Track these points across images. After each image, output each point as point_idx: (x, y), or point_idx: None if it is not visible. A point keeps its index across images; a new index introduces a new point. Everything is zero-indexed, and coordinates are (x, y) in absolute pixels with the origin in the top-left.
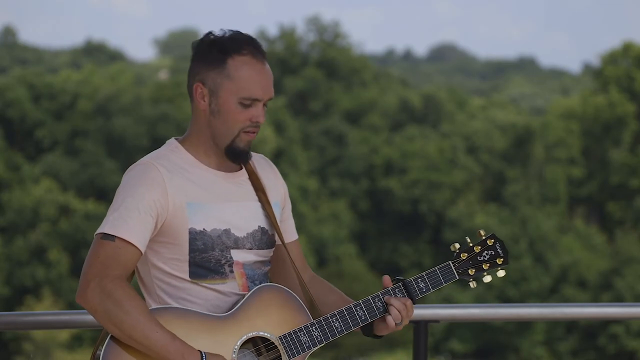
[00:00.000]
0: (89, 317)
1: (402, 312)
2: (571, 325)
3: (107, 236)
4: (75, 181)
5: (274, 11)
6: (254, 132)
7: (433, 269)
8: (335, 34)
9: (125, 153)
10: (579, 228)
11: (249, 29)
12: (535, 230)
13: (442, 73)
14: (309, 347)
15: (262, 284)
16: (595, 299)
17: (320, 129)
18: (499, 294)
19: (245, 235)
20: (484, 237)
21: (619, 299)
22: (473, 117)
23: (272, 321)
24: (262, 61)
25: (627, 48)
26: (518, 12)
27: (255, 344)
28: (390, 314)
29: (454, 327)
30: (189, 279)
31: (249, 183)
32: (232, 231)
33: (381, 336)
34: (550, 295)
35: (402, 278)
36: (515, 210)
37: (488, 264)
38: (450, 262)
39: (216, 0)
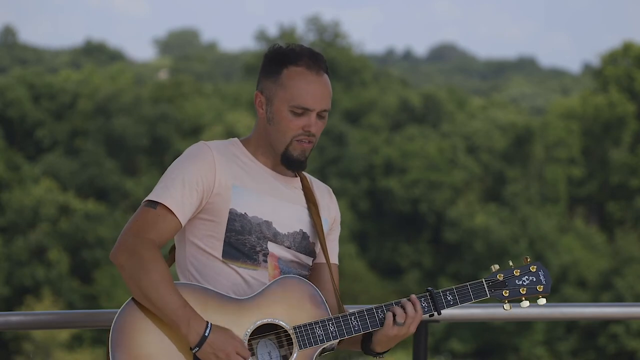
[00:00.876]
0: (89, 317)
1: (409, 313)
2: (571, 325)
3: (150, 203)
4: (75, 181)
5: (274, 11)
6: (308, 142)
7: (464, 284)
8: (335, 33)
9: (125, 153)
10: (579, 228)
11: (248, 29)
12: (535, 230)
13: (442, 73)
14: (322, 341)
15: (287, 274)
16: (595, 299)
17: None
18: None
19: (286, 233)
20: (527, 263)
21: (619, 299)
22: (473, 117)
23: (290, 311)
24: (318, 73)
25: (627, 48)
26: (518, 12)
27: (271, 331)
28: (392, 312)
29: (454, 327)
30: (221, 258)
31: (301, 191)
32: (274, 225)
33: (381, 353)
34: (550, 295)
35: (431, 289)
36: (515, 210)
37: (526, 289)
38: (483, 280)
39: (216, 0)
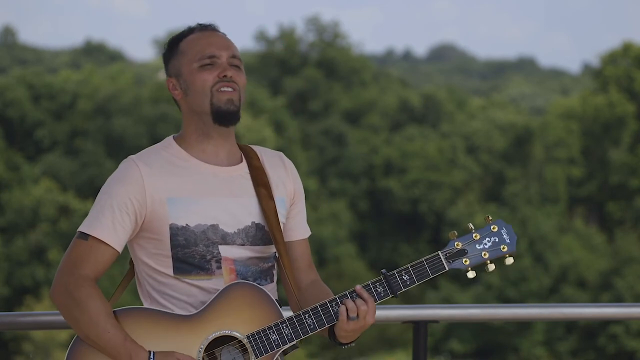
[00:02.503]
0: None
1: (359, 306)
2: (571, 326)
3: (82, 235)
4: (74, 181)
5: (274, 11)
6: (229, 88)
7: (420, 260)
8: (334, 34)
9: (125, 153)
10: (579, 228)
11: (248, 29)
12: (535, 230)
13: (442, 73)
14: (277, 346)
15: (231, 282)
16: (595, 299)
17: (319, 129)
18: (499, 294)
19: (235, 231)
20: (488, 223)
21: (618, 299)
22: (473, 117)
23: (242, 320)
24: (212, 31)
25: (626, 48)
26: (518, 12)
27: (229, 341)
28: (345, 305)
29: (454, 327)
30: (173, 275)
31: (248, 178)
32: (221, 227)
33: (344, 344)
34: (550, 295)
35: (384, 271)
36: (514, 210)
37: (488, 253)
38: (439, 252)
39: (216, 0)
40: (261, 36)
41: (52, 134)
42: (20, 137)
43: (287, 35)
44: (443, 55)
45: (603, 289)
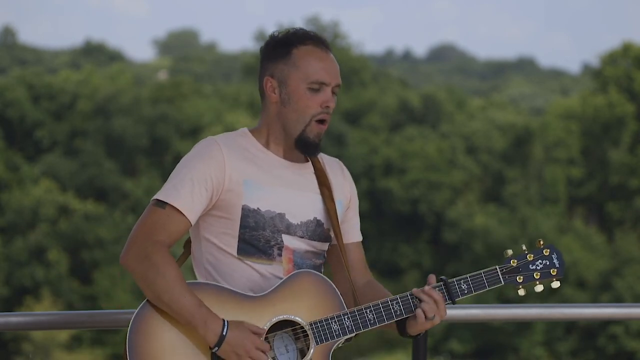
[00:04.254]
0: (88, 318)
1: (432, 306)
2: (571, 326)
3: (159, 203)
4: (74, 181)
5: (273, 11)
6: (324, 121)
7: (478, 271)
8: (334, 34)
9: (125, 153)
10: (579, 228)
11: (248, 29)
12: (534, 230)
13: (442, 73)
14: (338, 335)
15: (300, 270)
16: (594, 299)
17: None
18: (498, 295)
19: (298, 223)
20: (540, 247)
21: (618, 300)
22: (472, 117)
23: (305, 307)
24: (326, 50)
25: (626, 48)
26: (518, 12)
27: (287, 327)
28: (421, 308)
29: (454, 327)
30: (236, 255)
31: (313, 176)
32: (287, 216)
33: (416, 336)
34: (550, 295)
35: (445, 278)
36: (514, 211)
37: (539, 274)
38: (497, 267)
39: (215, 0)
40: (261, 36)
41: (51, 134)
42: (20, 137)
43: None
44: (443, 55)
45: (603, 289)
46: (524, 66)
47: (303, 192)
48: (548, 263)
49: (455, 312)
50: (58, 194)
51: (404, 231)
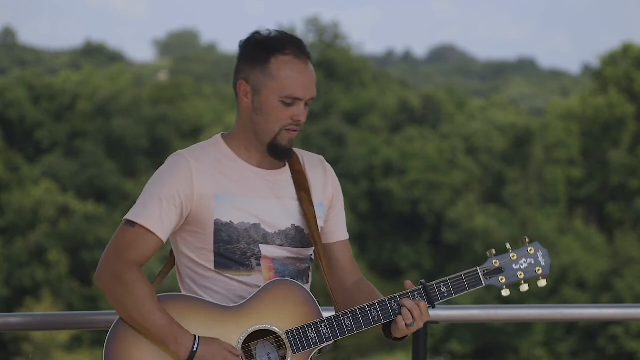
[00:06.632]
0: (88, 318)
1: (413, 313)
2: (571, 326)
3: (128, 222)
4: (74, 182)
5: (273, 12)
6: (295, 130)
7: (459, 273)
8: (334, 34)
9: (125, 154)
10: (579, 229)
11: (248, 30)
12: (534, 231)
13: (442, 74)
14: (315, 344)
15: (275, 278)
16: (594, 300)
17: (319, 129)
18: (499, 295)
19: (276, 232)
20: (525, 244)
21: (618, 300)
22: (472, 117)
23: (282, 315)
24: (305, 61)
25: (626, 49)
26: (517, 12)
27: (267, 336)
28: (401, 314)
29: (454, 328)
30: (214, 269)
31: (290, 181)
32: (262, 226)
33: (401, 338)
34: (550, 296)
35: (424, 282)
36: (514, 211)
37: (523, 273)
38: (478, 268)
39: (215, 0)
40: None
41: (51, 135)
42: (20, 137)
43: None
44: (443, 56)
45: (603, 290)
46: (524, 67)
47: (279, 199)
48: (533, 262)
49: (456, 313)
50: (58, 195)
51: (404, 232)
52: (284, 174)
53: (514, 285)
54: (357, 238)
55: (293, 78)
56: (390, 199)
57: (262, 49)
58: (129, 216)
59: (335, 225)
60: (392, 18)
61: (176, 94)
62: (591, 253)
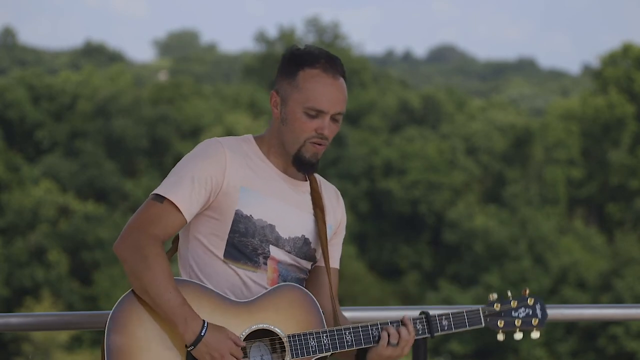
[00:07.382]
0: (88, 319)
1: (403, 336)
2: (571, 327)
3: (157, 197)
4: (74, 182)
5: (273, 12)
6: (320, 144)
7: (461, 310)
8: (334, 34)
9: (125, 154)
10: (579, 229)
11: (248, 30)
12: (534, 231)
13: (442, 74)
14: (314, 352)
15: (288, 282)
16: (594, 300)
17: None
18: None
19: (287, 237)
20: (525, 295)
21: (618, 300)
22: (472, 118)
23: (286, 319)
24: (334, 76)
25: (626, 49)
26: (517, 12)
27: (265, 336)
28: (388, 332)
29: None
30: (222, 258)
31: (308, 197)
32: (277, 229)
33: None
34: (550, 296)
35: (427, 312)
36: (514, 211)
37: (521, 321)
38: (480, 308)
39: (215, 1)
40: (261, 37)
41: (52, 135)
42: (20, 138)
43: (287, 37)
44: (443, 56)
45: (603, 290)
46: (524, 67)
47: (297, 208)
48: (531, 312)
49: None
50: (58, 195)
51: (404, 232)
52: (305, 188)
53: (508, 332)
54: (357, 238)
55: (317, 90)
56: (390, 199)
57: (293, 62)
58: (159, 191)
59: (333, 252)
60: (392, 18)
61: (176, 94)
62: (591, 253)
